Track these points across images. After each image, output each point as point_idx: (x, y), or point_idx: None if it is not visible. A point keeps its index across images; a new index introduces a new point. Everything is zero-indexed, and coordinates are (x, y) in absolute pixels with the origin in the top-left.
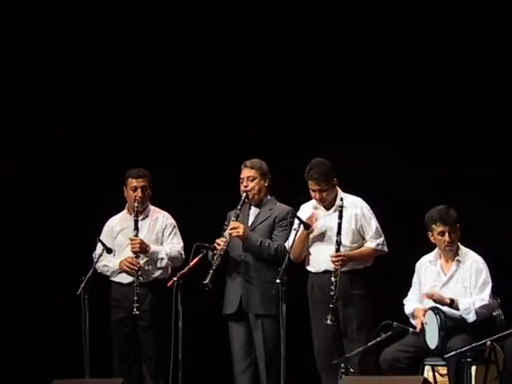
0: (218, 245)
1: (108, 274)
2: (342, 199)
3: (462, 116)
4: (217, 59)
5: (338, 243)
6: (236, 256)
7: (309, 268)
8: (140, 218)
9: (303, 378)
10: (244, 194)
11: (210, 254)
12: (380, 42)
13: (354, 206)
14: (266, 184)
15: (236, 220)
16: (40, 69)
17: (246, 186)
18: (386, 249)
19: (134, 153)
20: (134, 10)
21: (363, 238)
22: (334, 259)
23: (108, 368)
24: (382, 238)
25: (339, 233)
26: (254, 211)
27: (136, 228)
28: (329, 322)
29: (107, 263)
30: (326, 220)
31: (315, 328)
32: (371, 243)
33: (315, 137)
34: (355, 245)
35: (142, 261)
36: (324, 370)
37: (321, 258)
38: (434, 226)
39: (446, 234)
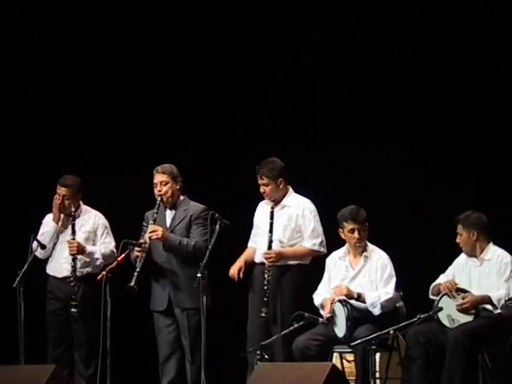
0: (145, 243)
1: (47, 240)
2: (273, 200)
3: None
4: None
5: (269, 241)
6: (159, 257)
7: (254, 259)
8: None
9: (225, 362)
10: (159, 198)
11: (133, 256)
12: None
13: (297, 207)
14: (178, 187)
15: (154, 223)
16: None
17: (159, 191)
18: (322, 250)
19: (72, 154)
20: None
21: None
22: (266, 256)
23: (42, 355)
24: (320, 240)
25: (270, 231)
26: (170, 213)
27: (73, 231)
28: (263, 314)
29: (43, 231)
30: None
31: (250, 315)
32: (307, 243)
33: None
34: (293, 242)
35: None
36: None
37: (260, 251)
38: (345, 223)
39: (356, 232)
